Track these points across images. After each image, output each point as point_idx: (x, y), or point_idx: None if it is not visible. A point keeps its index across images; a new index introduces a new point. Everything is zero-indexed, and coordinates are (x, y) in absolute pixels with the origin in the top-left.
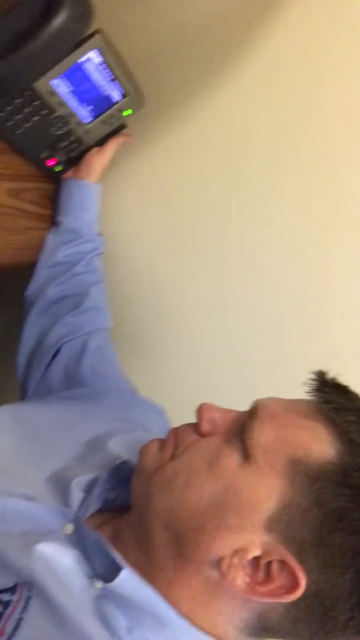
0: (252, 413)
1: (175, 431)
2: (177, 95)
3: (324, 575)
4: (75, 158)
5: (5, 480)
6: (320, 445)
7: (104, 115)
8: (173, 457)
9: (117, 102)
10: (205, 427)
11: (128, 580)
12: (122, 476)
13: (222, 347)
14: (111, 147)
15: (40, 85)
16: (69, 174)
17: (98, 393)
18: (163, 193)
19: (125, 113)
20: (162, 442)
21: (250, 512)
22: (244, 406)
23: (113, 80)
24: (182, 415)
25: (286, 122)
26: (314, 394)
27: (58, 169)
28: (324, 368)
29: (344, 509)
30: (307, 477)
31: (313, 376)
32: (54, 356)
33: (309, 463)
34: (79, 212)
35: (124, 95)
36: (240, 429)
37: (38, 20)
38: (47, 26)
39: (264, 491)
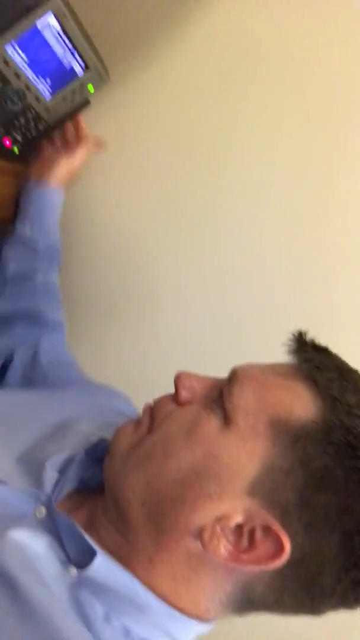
0: (231, 378)
1: (152, 405)
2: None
3: (309, 539)
4: (34, 139)
5: None
6: (301, 404)
7: (64, 90)
8: (150, 431)
9: (78, 76)
10: (184, 395)
11: (103, 565)
12: (98, 455)
13: (202, 326)
14: (82, 153)
15: None
16: (33, 174)
17: (61, 385)
18: (140, 167)
19: (88, 88)
20: (138, 421)
21: (232, 477)
22: None
23: (73, 50)
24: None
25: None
26: (293, 354)
27: (15, 149)
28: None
29: (327, 468)
30: (289, 436)
31: (292, 337)
32: (9, 364)
33: (291, 422)
34: (36, 221)
35: (85, 69)
36: (219, 394)
37: None
38: None
39: (246, 455)
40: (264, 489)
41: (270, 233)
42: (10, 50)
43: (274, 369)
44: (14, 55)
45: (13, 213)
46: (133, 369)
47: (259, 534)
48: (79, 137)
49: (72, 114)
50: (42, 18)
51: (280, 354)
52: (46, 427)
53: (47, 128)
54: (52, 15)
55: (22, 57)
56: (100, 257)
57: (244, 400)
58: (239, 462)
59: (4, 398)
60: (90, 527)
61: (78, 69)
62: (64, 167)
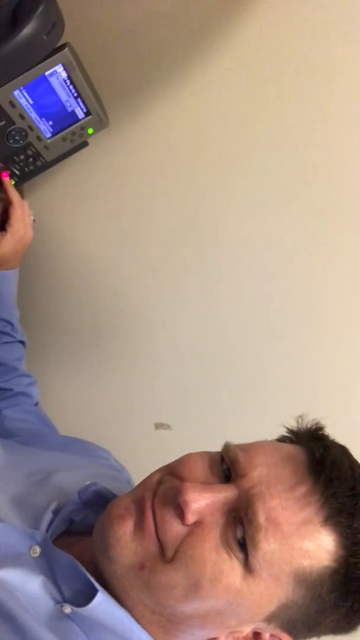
0: (252, 519)
1: (151, 509)
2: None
3: (310, 634)
4: (32, 173)
5: None
6: (323, 554)
7: (65, 131)
8: (164, 558)
9: (79, 120)
10: (192, 519)
11: (103, 603)
12: (89, 498)
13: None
14: (18, 220)
15: (1, 95)
16: None
17: (38, 442)
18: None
19: (88, 131)
20: (140, 525)
21: (251, 615)
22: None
23: (77, 97)
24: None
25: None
26: (325, 495)
27: (12, 182)
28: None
29: (338, 606)
30: (309, 583)
31: (318, 455)
32: None
33: (313, 572)
34: None
35: (87, 114)
36: (234, 520)
37: (4, 28)
38: (14, 37)
39: (267, 599)
40: (279, 619)
41: (265, 279)
42: (17, 93)
43: (303, 513)
44: (20, 98)
45: None
46: (102, 411)
47: (266, 636)
48: (9, 202)
49: (70, 154)
50: (51, 68)
51: (269, 409)
52: (33, 475)
53: (44, 164)
54: (62, 66)
55: (28, 101)
56: (73, 295)
57: (269, 554)
58: (259, 605)
59: None
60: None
61: (80, 114)
62: (7, 246)
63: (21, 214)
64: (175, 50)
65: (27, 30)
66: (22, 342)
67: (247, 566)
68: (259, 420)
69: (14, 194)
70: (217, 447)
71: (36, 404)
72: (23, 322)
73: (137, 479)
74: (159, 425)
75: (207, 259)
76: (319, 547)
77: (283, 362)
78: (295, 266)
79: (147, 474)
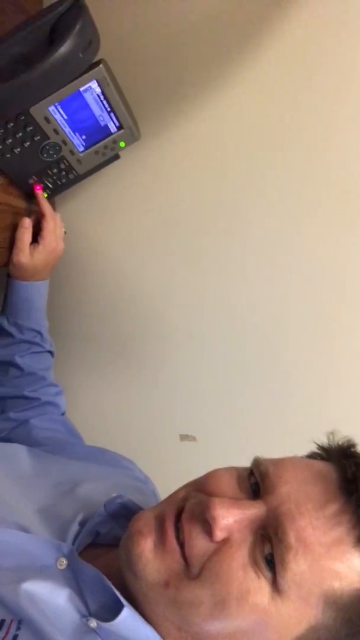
0: (281, 539)
1: (173, 526)
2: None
3: None
4: (64, 186)
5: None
6: (355, 576)
7: (97, 145)
8: (189, 575)
9: (112, 134)
10: (221, 536)
11: (129, 618)
12: (115, 510)
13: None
14: (50, 232)
15: (36, 110)
16: (12, 270)
17: (61, 449)
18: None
19: (120, 145)
20: (161, 542)
21: (278, 636)
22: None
23: (110, 111)
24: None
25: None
26: (357, 514)
27: (45, 195)
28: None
29: None
30: (338, 606)
31: (350, 473)
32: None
33: (342, 595)
34: (14, 311)
35: (119, 127)
36: (262, 538)
37: (42, 46)
38: (52, 54)
39: (295, 621)
40: None
41: (284, 283)
42: (52, 109)
43: (329, 519)
44: (55, 114)
45: None
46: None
47: None
48: (42, 215)
49: (102, 167)
50: (86, 84)
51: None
52: (60, 485)
53: (76, 177)
54: (96, 82)
55: (62, 116)
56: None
57: (298, 575)
58: (287, 626)
59: (17, 461)
60: (108, 579)
61: (112, 128)
62: (39, 258)
63: (53, 226)
64: (208, 65)
65: (64, 48)
66: (50, 352)
67: (276, 586)
68: (287, 435)
69: (46, 207)
70: (241, 461)
71: (63, 414)
72: (51, 332)
73: (160, 490)
74: (184, 437)
75: (235, 272)
76: (350, 568)
77: (314, 376)
78: (325, 277)
79: (171, 485)
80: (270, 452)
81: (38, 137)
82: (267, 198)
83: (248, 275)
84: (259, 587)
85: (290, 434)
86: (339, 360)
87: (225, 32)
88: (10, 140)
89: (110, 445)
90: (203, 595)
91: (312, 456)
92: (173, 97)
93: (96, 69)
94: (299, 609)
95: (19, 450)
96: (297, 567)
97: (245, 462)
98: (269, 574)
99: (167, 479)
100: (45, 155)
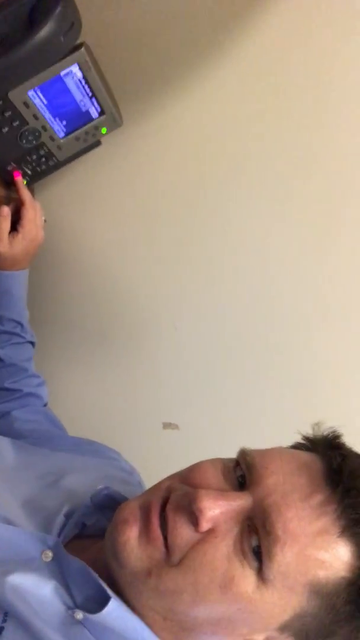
0: (269, 531)
1: (158, 515)
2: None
3: None
4: (43, 173)
5: None
6: (340, 564)
7: (78, 131)
8: (169, 562)
9: (93, 119)
10: (207, 527)
11: (115, 610)
12: (101, 502)
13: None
14: (30, 221)
15: (15, 95)
16: None
17: (45, 441)
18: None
19: (101, 131)
20: (145, 531)
21: (264, 624)
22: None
23: (92, 96)
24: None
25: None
26: (342, 505)
27: (24, 182)
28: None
29: (352, 615)
30: (323, 593)
31: (335, 464)
32: None
33: (327, 583)
34: None
35: (101, 113)
36: (249, 529)
37: (21, 28)
38: (31, 37)
39: (280, 609)
40: (292, 629)
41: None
42: (31, 94)
43: (319, 522)
44: (34, 98)
45: None
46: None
47: None
48: (21, 202)
49: (83, 153)
50: (67, 68)
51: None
52: (44, 477)
53: (57, 164)
54: (77, 66)
55: (42, 101)
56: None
57: (284, 566)
58: (272, 614)
59: (0, 454)
60: (94, 570)
61: (94, 113)
62: (18, 246)
63: (33, 214)
64: (191, 50)
65: (45, 31)
66: (31, 343)
67: (261, 576)
68: (270, 424)
69: (26, 195)
70: (224, 449)
71: (45, 405)
72: (31, 322)
73: (144, 478)
74: (167, 425)
75: (219, 262)
76: (335, 557)
77: (297, 366)
78: (306, 273)
79: (154, 473)
80: (253, 439)
81: (17, 123)
82: (251, 185)
83: (232, 265)
84: (243, 575)
85: (273, 423)
86: (321, 350)
87: (210, 15)
88: None
89: (93, 434)
90: (185, 583)
91: (297, 447)
92: (156, 82)
93: (77, 53)
94: (285, 597)
95: (2, 443)
96: (283, 557)
97: (228, 450)
98: (255, 564)
99: (150, 467)
100: (24, 142)
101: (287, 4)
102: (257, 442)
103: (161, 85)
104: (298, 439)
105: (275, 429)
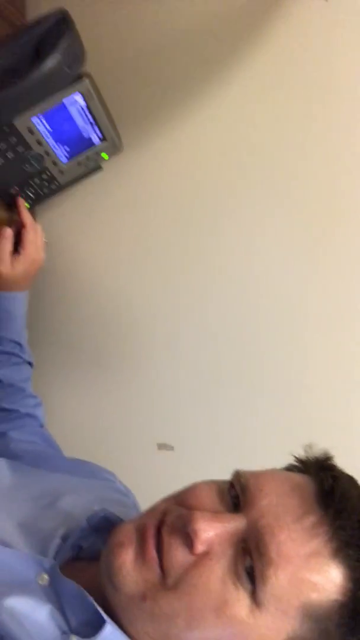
0: (262, 553)
1: (154, 537)
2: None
3: None
4: (45, 196)
5: None
6: (332, 587)
7: (80, 156)
8: (165, 585)
9: (95, 145)
10: (201, 549)
11: (110, 635)
12: (97, 524)
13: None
14: (31, 242)
15: (20, 122)
16: None
17: (44, 465)
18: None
19: (102, 156)
20: (141, 554)
21: None
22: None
23: (94, 124)
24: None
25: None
26: (333, 527)
27: (26, 205)
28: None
29: (345, 637)
30: (316, 617)
31: (327, 486)
32: None
33: (320, 606)
34: None
35: (102, 139)
36: (243, 551)
37: (28, 59)
38: (37, 68)
39: (274, 633)
40: None
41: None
42: (35, 120)
43: (306, 531)
44: (38, 125)
45: None
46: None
47: None
48: (22, 225)
49: (84, 177)
50: (70, 96)
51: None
52: (40, 498)
53: (58, 188)
54: (80, 95)
55: (45, 127)
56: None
57: (278, 589)
58: (266, 638)
59: None
60: (90, 594)
61: (95, 139)
62: (19, 268)
63: (34, 236)
64: (190, 78)
65: (50, 62)
66: (29, 363)
67: (255, 599)
68: (263, 445)
69: (27, 217)
70: (219, 470)
71: (42, 426)
72: (28, 341)
73: (139, 499)
74: (161, 446)
75: (215, 283)
76: (328, 580)
77: (291, 387)
78: (303, 292)
79: (148, 494)
80: (248, 460)
81: (21, 148)
82: (250, 213)
83: (227, 286)
84: (237, 599)
85: (268, 443)
86: (317, 370)
87: (208, 46)
88: None
89: (87, 454)
90: (180, 606)
91: (290, 468)
92: (155, 109)
93: (81, 83)
94: (278, 621)
95: None
96: (277, 581)
97: (222, 471)
98: (249, 586)
99: (145, 489)
100: (27, 166)
101: (286, 30)
102: (251, 462)
103: (160, 112)
104: (291, 460)
105: (270, 449)
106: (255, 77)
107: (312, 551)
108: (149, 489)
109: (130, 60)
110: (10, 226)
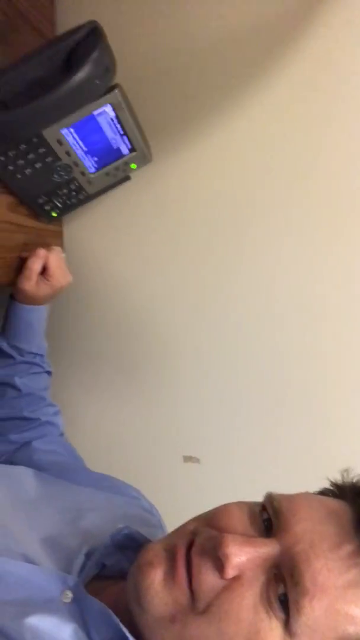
0: (297, 582)
1: (184, 558)
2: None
3: None
4: (73, 206)
5: (4, 537)
6: None
7: (109, 167)
8: (195, 609)
9: (124, 156)
10: (232, 574)
11: None
12: (122, 542)
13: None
14: (54, 260)
15: (49, 133)
16: (16, 292)
17: (65, 474)
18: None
19: (131, 167)
20: (171, 574)
21: None
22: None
23: (123, 134)
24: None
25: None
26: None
27: (54, 214)
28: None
29: None
30: None
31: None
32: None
33: (355, 637)
34: (14, 334)
35: (131, 150)
36: (275, 577)
37: (58, 71)
38: (68, 80)
39: None
40: None
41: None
42: (65, 132)
43: (344, 561)
44: (68, 136)
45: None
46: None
47: None
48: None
49: (112, 187)
50: (100, 108)
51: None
52: (65, 512)
53: (86, 198)
54: (110, 107)
55: (75, 138)
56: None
57: (312, 620)
58: None
59: (23, 486)
60: (115, 613)
61: (124, 150)
62: (45, 290)
63: (57, 260)
64: (221, 88)
65: (81, 75)
66: (48, 372)
67: (288, 629)
68: (294, 462)
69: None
70: (244, 485)
71: (62, 434)
72: (52, 348)
73: (164, 511)
74: (187, 459)
75: (242, 293)
76: None
77: (325, 401)
78: (333, 295)
79: (172, 507)
80: (276, 476)
81: (50, 159)
82: (275, 220)
83: (255, 296)
84: (269, 628)
85: (298, 460)
86: (351, 385)
87: (237, 58)
88: (21, 162)
89: (111, 465)
90: (210, 632)
91: (324, 493)
92: (185, 120)
93: (111, 94)
94: None
95: (25, 474)
96: (312, 611)
97: (249, 486)
98: (282, 615)
99: (170, 501)
100: (56, 176)
101: (325, 30)
102: (279, 478)
103: (190, 123)
104: (322, 479)
105: (299, 466)
106: (285, 90)
107: (350, 582)
108: (174, 501)
109: (161, 71)
110: (38, 236)
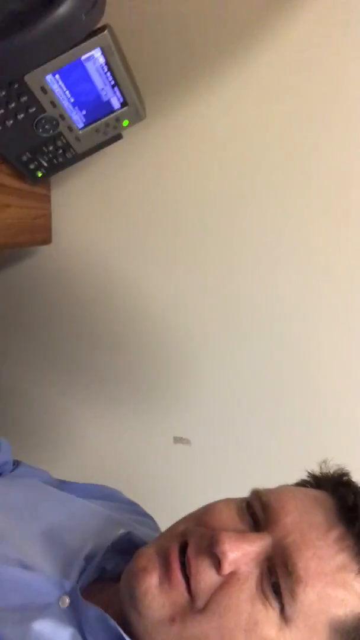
0: (291, 571)
1: (178, 560)
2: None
3: None
4: (60, 165)
5: (1, 544)
6: (358, 601)
7: (99, 122)
8: (193, 608)
9: (115, 110)
10: (229, 570)
11: None
12: (122, 546)
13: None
14: None
15: (32, 79)
16: None
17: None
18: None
19: (123, 123)
20: (167, 577)
21: None
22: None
23: (114, 85)
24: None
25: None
26: (345, 517)
27: (39, 174)
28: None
29: None
30: (343, 632)
31: (350, 501)
32: None
33: (347, 621)
34: None
35: (123, 104)
36: (269, 570)
37: (39, 4)
38: (50, 14)
39: None
40: None
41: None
42: (49, 78)
43: (331, 546)
44: (53, 84)
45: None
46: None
47: None
48: None
49: (102, 147)
50: (88, 52)
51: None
52: (63, 517)
53: (74, 157)
54: (99, 51)
55: (61, 87)
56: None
57: (307, 605)
58: None
59: (9, 491)
60: (108, 613)
61: (116, 104)
62: None
63: None
64: (219, 44)
65: (64, 7)
66: None
67: (284, 616)
68: (278, 448)
69: None
70: (232, 469)
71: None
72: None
73: (154, 498)
74: (178, 440)
75: (241, 274)
76: (354, 595)
77: (315, 393)
78: (335, 291)
79: (163, 486)
80: (266, 460)
81: (33, 109)
82: (275, 188)
83: (254, 279)
84: (266, 618)
85: (283, 447)
86: (342, 377)
87: (239, 11)
88: (1, 111)
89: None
90: (210, 628)
91: (302, 484)
92: (183, 76)
93: (100, 35)
94: (306, 638)
95: (7, 487)
96: (305, 597)
97: (240, 474)
98: (277, 604)
99: (160, 483)
100: (40, 130)
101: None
102: (270, 463)
103: (188, 80)
104: (303, 475)
105: (284, 451)
106: (295, 46)
107: (338, 566)
108: (164, 483)
109: (156, 19)
110: (21, 197)
